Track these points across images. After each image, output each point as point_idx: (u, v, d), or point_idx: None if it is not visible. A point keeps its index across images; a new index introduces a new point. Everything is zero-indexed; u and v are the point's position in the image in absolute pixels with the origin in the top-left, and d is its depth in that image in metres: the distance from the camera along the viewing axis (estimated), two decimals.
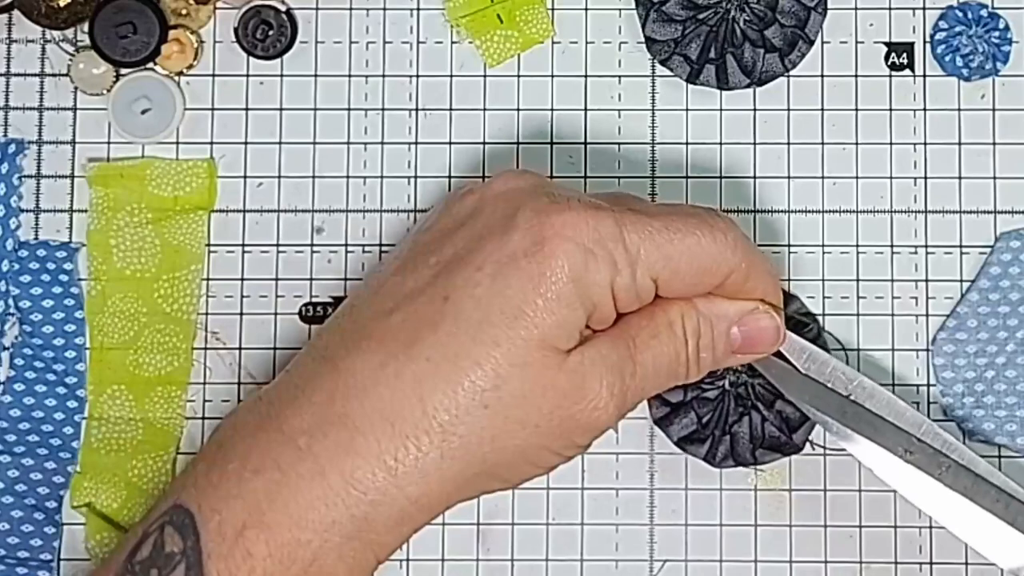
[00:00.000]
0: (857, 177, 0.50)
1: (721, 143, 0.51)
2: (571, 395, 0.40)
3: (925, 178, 0.50)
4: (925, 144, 0.50)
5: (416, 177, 0.51)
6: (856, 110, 0.51)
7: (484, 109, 0.51)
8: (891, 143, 0.50)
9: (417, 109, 0.51)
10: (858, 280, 0.50)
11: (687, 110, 0.51)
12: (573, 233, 0.40)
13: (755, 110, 0.51)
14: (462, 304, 0.40)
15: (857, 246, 0.50)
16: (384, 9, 0.51)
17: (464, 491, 0.41)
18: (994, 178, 0.50)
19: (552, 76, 0.51)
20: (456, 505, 0.42)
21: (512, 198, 0.41)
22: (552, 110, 0.51)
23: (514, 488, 0.43)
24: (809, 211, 0.50)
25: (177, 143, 0.51)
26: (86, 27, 0.50)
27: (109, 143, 0.51)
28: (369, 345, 0.40)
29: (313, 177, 0.51)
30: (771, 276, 0.44)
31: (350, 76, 0.51)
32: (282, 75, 0.51)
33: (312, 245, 0.51)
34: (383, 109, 0.51)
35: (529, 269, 0.40)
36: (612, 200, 0.42)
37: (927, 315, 0.50)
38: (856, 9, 0.51)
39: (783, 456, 0.49)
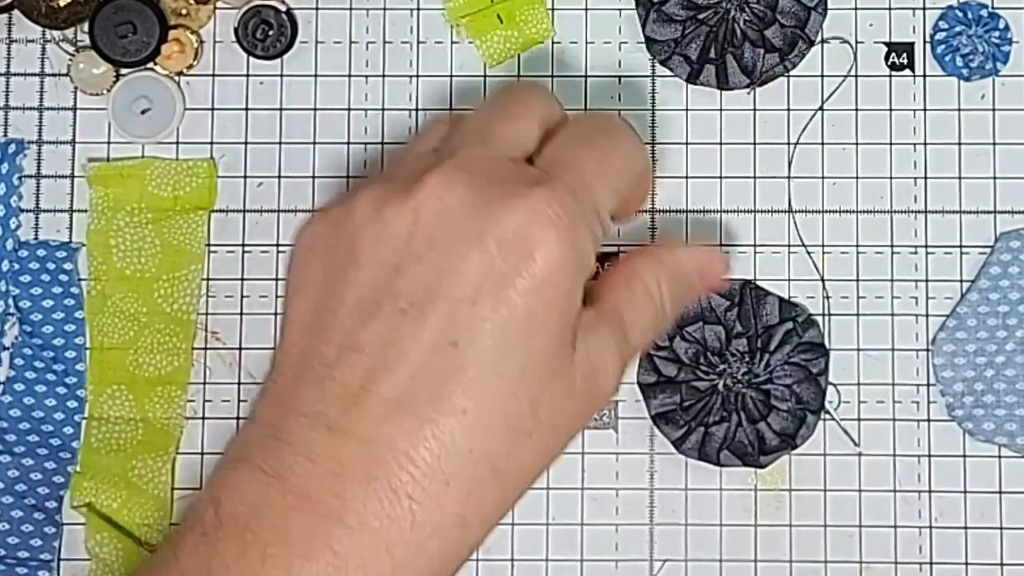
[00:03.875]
0: (857, 177, 0.50)
1: (721, 143, 0.51)
2: (589, 390, 0.40)
3: (925, 178, 0.50)
4: (925, 144, 0.50)
5: None
6: (856, 110, 0.51)
7: None
8: (891, 143, 0.50)
9: (417, 109, 0.51)
10: (858, 280, 0.50)
11: (687, 110, 0.51)
12: (551, 235, 0.38)
13: (755, 110, 0.51)
14: (478, 344, 0.37)
15: (857, 246, 0.50)
16: (384, 9, 0.51)
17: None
18: (994, 178, 0.50)
19: (552, 76, 0.51)
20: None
21: (459, 219, 0.38)
22: None
23: None
24: (809, 211, 0.50)
25: (177, 143, 0.51)
26: (86, 27, 0.50)
27: (109, 143, 0.51)
28: (388, 411, 0.37)
29: (313, 177, 0.51)
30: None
31: (350, 76, 0.51)
32: (282, 75, 0.51)
33: None
34: (383, 109, 0.51)
35: (526, 285, 0.37)
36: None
37: (927, 315, 0.50)
38: (856, 9, 0.51)
39: (743, 465, 0.49)
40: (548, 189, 0.38)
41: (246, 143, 0.51)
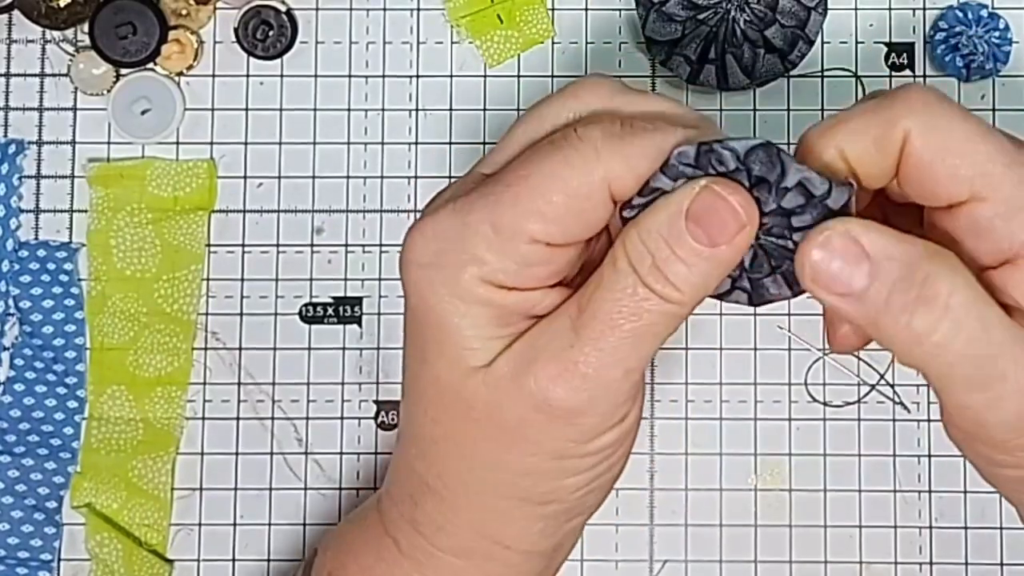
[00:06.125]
0: None
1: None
2: (503, 407, 0.36)
3: None
4: None
5: (416, 177, 0.51)
6: None
7: (484, 109, 0.51)
8: None
9: (417, 109, 0.51)
10: None
11: None
12: (412, 256, 0.36)
13: (755, 110, 0.51)
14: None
15: None
16: (384, 9, 0.51)
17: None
18: None
19: (552, 76, 0.51)
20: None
21: None
22: None
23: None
24: None
25: (177, 143, 0.51)
26: (86, 27, 0.50)
27: (109, 143, 0.51)
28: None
29: (313, 177, 0.51)
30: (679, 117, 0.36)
31: (350, 76, 0.51)
32: (282, 75, 0.51)
33: (312, 245, 0.51)
34: (383, 109, 0.51)
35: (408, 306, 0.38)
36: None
37: None
38: (856, 9, 0.51)
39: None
40: (435, 214, 0.37)
41: (246, 143, 0.51)
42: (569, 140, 0.35)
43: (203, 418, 0.50)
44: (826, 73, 0.51)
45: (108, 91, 0.51)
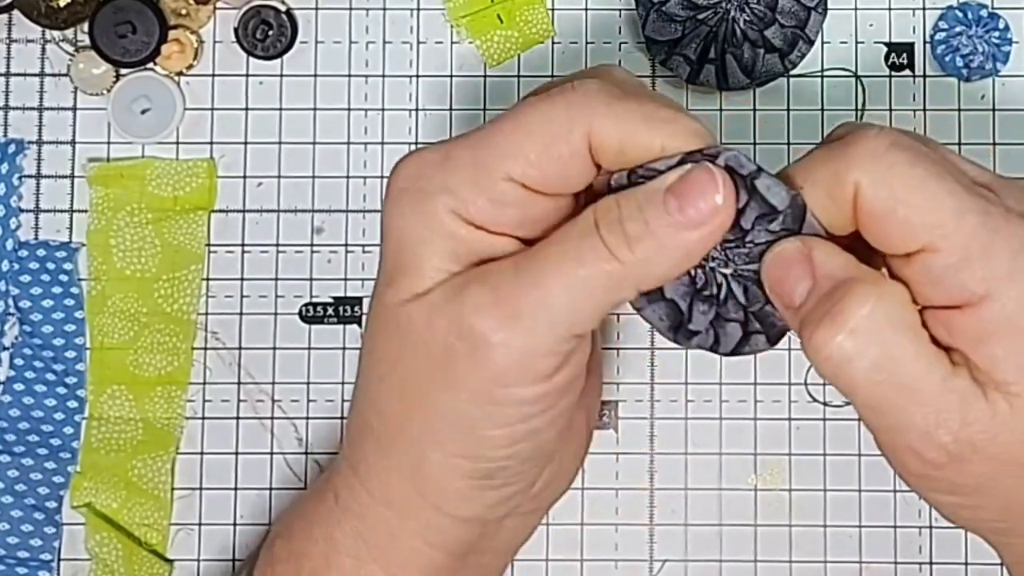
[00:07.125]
0: None
1: (721, 143, 0.50)
2: (418, 334, 0.36)
3: None
4: None
5: None
6: (856, 110, 0.51)
7: (484, 109, 0.51)
8: None
9: (417, 109, 0.51)
10: None
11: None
12: (392, 181, 0.37)
13: (755, 110, 0.51)
14: None
15: None
16: (384, 9, 0.51)
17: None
18: None
19: (552, 76, 0.51)
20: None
21: None
22: None
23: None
24: None
25: (177, 143, 0.51)
26: (86, 27, 0.50)
27: (109, 143, 0.51)
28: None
29: (313, 177, 0.51)
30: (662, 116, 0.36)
31: (350, 76, 0.51)
32: (282, 75, 0.51)
33: (312, 245, 0.51)
34: (383, 109, 0.51)
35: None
36: None
37: None
38: (856, 9, 0.51)
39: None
40: (426, 149, 0.38)
41: (246, 143, 0.51)
42: (563, 88, 0.36)
43: (203, 418, 0.50)
44: (826, 73, 0.51)
45: (108, 91, 0.51)
